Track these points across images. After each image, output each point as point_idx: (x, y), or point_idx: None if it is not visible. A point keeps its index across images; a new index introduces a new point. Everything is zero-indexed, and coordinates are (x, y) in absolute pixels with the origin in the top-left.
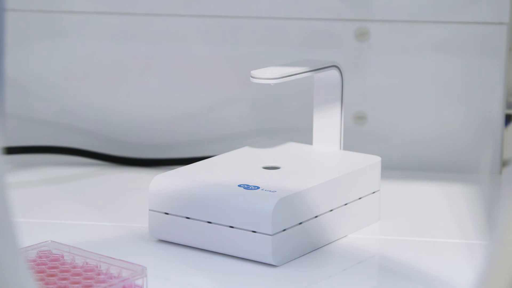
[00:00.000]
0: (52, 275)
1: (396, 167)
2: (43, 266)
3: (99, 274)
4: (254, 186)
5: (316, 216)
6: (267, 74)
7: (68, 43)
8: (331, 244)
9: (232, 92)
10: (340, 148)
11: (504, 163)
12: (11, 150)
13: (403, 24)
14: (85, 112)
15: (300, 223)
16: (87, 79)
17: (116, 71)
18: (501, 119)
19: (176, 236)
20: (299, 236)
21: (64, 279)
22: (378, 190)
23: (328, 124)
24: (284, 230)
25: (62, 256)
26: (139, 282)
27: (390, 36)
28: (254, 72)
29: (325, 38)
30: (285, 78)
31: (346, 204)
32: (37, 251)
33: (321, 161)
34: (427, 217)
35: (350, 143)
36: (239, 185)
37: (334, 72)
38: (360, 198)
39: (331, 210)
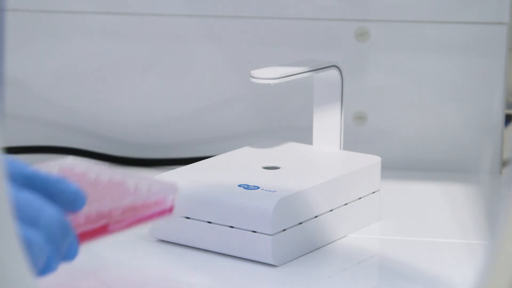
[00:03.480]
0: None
1: (396, 167)
2: None
3: (127, 189)
4: (254, 186)
5: (316, 216)
6: (267, 74)
7: (68, 43)
8: (331, 244)
9: (232, 92)
10: (340, 148)
11: (504, 163)
12: (11, 150)
13: (403, 24)
14: (85, 112)
15: (300, 223)
16: (87, 79)
17: (116, 71)
18: (501, 119)
19: (176, 236)
20: (299, 236)
21: (92, 192)
22: (378, 190)
23: (328, 124)
24: (284, 230)
25: (86, 173)
26: (170, 198)
27: (390, 36)
28: (254, 72)
29: (325, 38)
30: (285, 78)
31: (346, 204)
32: (59, 167)
33: (321, 161)
34: (427, 217)
35: (350, 143)
36: (239, 185)
37: (334, 72)
38: (360, 198)
39: (331, 210)
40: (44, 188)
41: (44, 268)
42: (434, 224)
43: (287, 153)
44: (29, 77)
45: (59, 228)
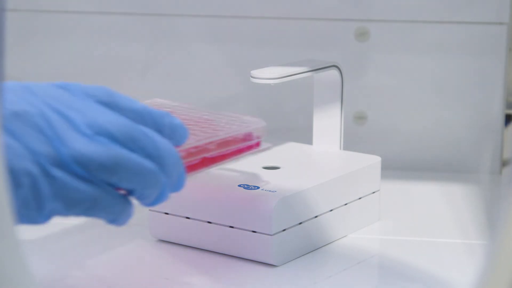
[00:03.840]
0: None
1: (396, 167)
2: None
3: (218, 125)
4: (254, 186)
5: (316, 216)
6: (267, 74)
7: (68, 43)
8: (331, 244)
9: (232, 92)
10: (340, 148)
11: (504, 163)
12: None
13: (403, 24)
14: None
15: (300, 223)
16: (87, 79)
17: (116, 71)
18: (501, 119)
19: (176, 236)
20: (299, 236)
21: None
22: (378, 190)
23: (328, 124)
24: (284, 230)
25: (175, 111)
26: (257, 133)
27: (390, 36)
28: (254, 72)
29: (325, 38)
30: (285, 78)
31: (346, 204)
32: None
33: (321, 161)
34: (427, 217)
35: (350, 143)
36: (239, 185)
37: (334, 72)
38: (360, 198)
39: (331, 210)
40: (152, 122)
41: (158, 197)
42: (434, 224)
43: (287, 153)
44: (29, 77)
45: (171, 159)
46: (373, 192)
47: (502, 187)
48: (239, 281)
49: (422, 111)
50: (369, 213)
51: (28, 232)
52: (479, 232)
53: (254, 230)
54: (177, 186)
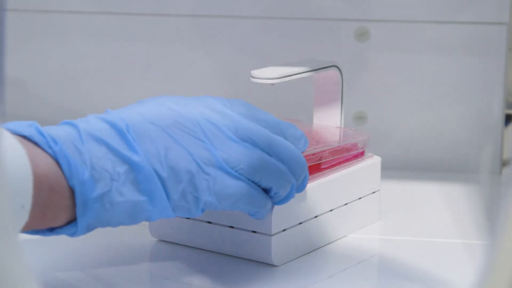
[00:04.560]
0: None
1: (396, 167)
2: None
3: (329, 135)
4: None
5: (316, 216)
6: (267, 74)
7: (68, 43)
8: (331, 244)
9: (232, 92)
10: None
11: (504, 163)
12: None
13: (403, 24)
14: (85, 112)
15: (300, 223)
16: (87, 79)
17: (116, 71)
18: (501, 119)
19: (176, 236)
20: (299, 236)
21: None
22: (378, 190)
23: (328, 124)
24: (284, 230)
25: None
26: (362, 143)
27: (390, 36)
28: (254, 72)
29: (325, 38)
30: (285, 78)
31: (346, 204)
32: None
33: None
34: (427, 217)
35: None
36: None
37: (334, 72)
38: (360, 198)
39: (331, 210)
40: (280, 132)
41: (287, 196)
42: (434, 224)
43: None
44: (29, 77)
45: (300, 164)
46: (373, 192)
47: (502, 187)
48: (239, 281)
49: (422, 111)
50: (369, 213)
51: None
52: (479, 232)
53: (254, 230)
54: (302, 187)
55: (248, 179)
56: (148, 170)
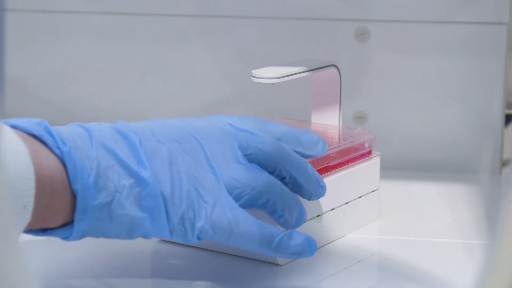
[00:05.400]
0: None
1: (396, 167)
2: None
3: (336, 135)
4: None
5: (318, 215)
6: (268, 73)
7: (68, 43)
8: (332, 243)
9: (232, 92)
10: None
11: (504, 163)
12: None
13: (403, 24)
14: (85, 112)
15: (303, 222)
16: (87, 79)
17: (116, 71)
18: (501, 119)
19: None
20: None
21: None
22: (378, 189)
23: (327, 123)
24: (287, 229)
25: (292, 126)
26: (368, 143)
27: (390, 36)
28: (255, 72)
29: (325, 38)
30: (286, 78)
31: (347, 203)
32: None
33: None
34: (427, 217)
35: None
36: None
37: (332, 72)
38: (360, 197)
39: (333, 209)
40: (295, 140)
41: (298, 219)
42: (434, 224)
43: None
44: (29, 77)
45: (316, 178)
46: (373, 191)
47: (502, 187)
48: (242, 281)
49: (422, 111)
50: (368, 212)
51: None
52: (479, 232)
53: None
54: (318, 194)
55: (254, 203)
56: (154, 188)
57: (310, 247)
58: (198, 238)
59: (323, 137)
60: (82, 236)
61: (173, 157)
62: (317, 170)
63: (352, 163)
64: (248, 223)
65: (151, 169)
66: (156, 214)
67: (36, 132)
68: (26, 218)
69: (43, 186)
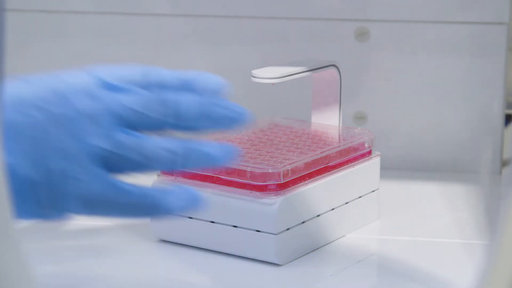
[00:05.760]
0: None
1: (396, 167)
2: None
3: (336, 136)
4: None
5: (318, 215)
6: (268, 73)
7: (68, 43)
8: (332, 242)
9: (232, 92)
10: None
11: (504, 163)
12: None
13: (403, 24)
14: None
15: (303, 222)
16: None
17: None
18: (501, 119)
19: (178, 236)
20: (302, 235)
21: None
22: (378, 189)
23: (327, 123)
24: (287, 229)
25: (292, 127)
26: (368, 143)
27: (390, 36)
28: (255, 72)
29: (325, 38)
30: (286, 78)
31: (347, 203)
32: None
33: None
34: (427, 217)
35: None
36: None
37: (332, 72)
38: (360, 197)
39: (333, 209)
40: (184, 84)
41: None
42: (434, 224)
43: None
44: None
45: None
46: (373, 191)
47: (502, 187)
48: (243, 281)
49: (422, 111)
50: (368, 212)
51: (29, 232)
52: (479, 232)
53: (258, 229)
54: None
55: None
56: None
57: (193, 198)
58: (71, 215)
59: (314, 138)
60: None
61: (39, 130)
62: (317, 170)
63: (352, 163)
64: (119, 193)
65: (19, 151)
66: (21, 197)
67: None
68: None
69: None
